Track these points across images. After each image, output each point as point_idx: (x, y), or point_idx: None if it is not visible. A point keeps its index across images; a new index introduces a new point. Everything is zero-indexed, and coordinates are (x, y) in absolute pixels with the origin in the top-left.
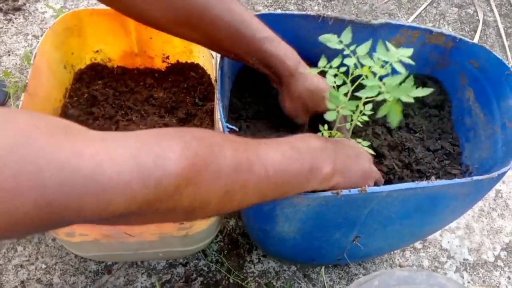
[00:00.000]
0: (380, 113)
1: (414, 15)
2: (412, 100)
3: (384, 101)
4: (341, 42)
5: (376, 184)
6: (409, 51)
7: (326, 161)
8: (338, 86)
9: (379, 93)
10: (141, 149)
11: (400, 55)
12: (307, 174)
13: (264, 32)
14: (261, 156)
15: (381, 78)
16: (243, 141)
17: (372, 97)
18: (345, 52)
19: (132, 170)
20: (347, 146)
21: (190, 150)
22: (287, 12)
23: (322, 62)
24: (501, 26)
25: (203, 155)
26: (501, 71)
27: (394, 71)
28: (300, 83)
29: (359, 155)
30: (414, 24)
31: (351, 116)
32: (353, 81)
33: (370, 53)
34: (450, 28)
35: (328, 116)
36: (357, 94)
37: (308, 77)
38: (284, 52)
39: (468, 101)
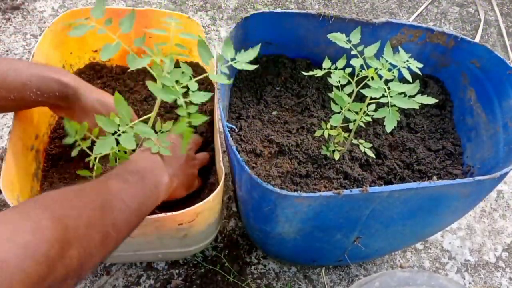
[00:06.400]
0: (377, 115)
1: (415, 14)
2: (416, 106)
3: (386, 102)
4: (349, 41)
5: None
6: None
7: (161, 172)
8: (343, 86)
9: (383, 95)
10: (15, 229)
11: (406, 59)
12: (154, 191)
13: (31, 66)
14: (115, 192)
15: (387, 81)
16: (93, 184)
17: (376, 98)
18: (353, 52)
19: (18, 253)
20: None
21: (58, 213)
22: (288, 10)
23: (327, 63)
24: (502, 25)
25: (71, 213)
26: (502, 71)
27: (400, 74)
28: (89, 95)
29: (176, 149)
30: (415, 23)
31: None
32: (357, 82)
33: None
34: (451, 27)
35: (334, 121)
36: (362, 91)
37: (93, 89)
38: (56, 71)
39: (469, 100)
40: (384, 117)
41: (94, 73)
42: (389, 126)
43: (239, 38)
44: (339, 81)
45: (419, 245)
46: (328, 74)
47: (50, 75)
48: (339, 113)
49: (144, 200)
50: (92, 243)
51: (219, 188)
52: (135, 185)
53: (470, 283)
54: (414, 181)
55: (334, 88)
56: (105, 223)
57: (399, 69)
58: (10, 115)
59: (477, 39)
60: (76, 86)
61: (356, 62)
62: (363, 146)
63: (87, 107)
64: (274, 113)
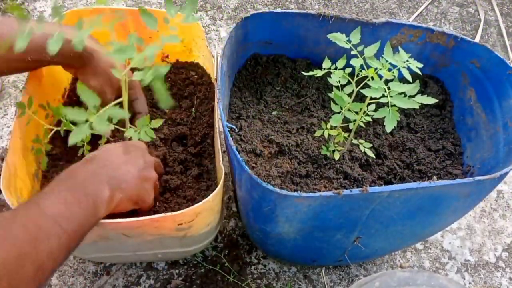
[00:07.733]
0: (377, 115)
1: (415, 14)
2: (416, 106)
3: (386, 102)
4: (349, 41)
5: (157, 170)
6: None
7: (101, 186)
8: (343, 86)
9: (383, 95)
10: None
11: (406, 59)
12: (93, 209)
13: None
14: (51, 216)
15: (387, 81)
16: (27, 209)
17: (376, 98)
18: (353, 52)
19: None
20: (113, 155)
21: None
22: (288, 10)
23: (327, 63)
24: (502, 25)
25: (0, 247)
26: (502, 71)
27: (400, 74)
28: (101, 57)
29: (128, 159)
30: (415, 23)
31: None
32: (357, 82)
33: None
34: (451, 27)
35: (334, 121)
36: (362, 91)
37: (105, 52)
38: (71, 32)
39: (469, 100)
40: (384, 117)
41: None
42: (389, 126)
43: (239, 38)
44: (339, 81)
45: (419, 245)
46: (328, 74)
47: (65, 37)
48: (339, 113)
49: (83, 221)
50: (24, 276)
51: (219, 188)
52: (73, 205)
53: (470, 283)
54: (414, 181)
55: (334, 88)
56: (39, 253)
57: (399, 69)
58: (11, 115)
59: (477, 39)
60: (91, 49)
61: (356, 62)
62: (363, 146)
63: (98, 69)
64: (274, 113)
